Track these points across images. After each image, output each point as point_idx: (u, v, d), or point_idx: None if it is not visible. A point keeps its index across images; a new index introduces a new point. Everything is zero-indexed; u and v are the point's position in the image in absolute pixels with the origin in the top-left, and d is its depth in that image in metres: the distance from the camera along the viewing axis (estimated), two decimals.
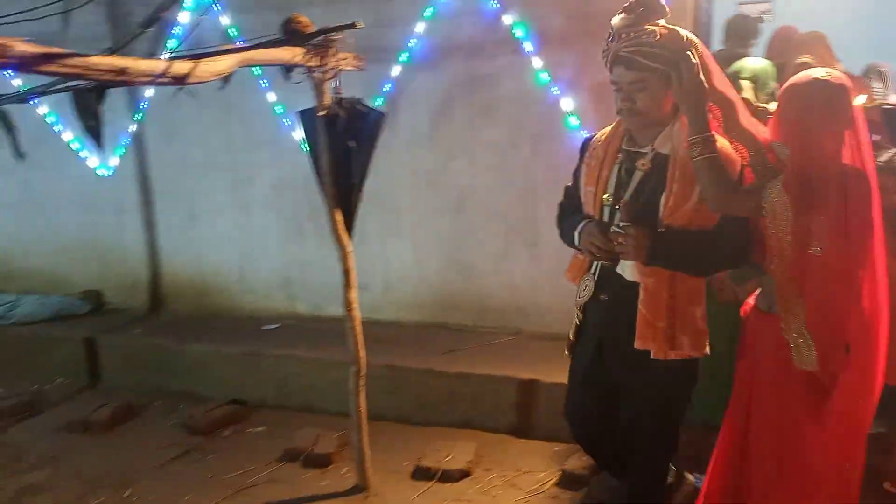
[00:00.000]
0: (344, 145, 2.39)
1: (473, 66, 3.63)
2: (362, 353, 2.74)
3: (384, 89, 3.71)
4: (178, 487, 2.91)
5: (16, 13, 2.19)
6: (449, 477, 2.87)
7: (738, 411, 1.98)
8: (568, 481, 2.77)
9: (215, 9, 3.70)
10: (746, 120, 1.85)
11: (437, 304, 3.97)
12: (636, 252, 1.84)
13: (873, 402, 1.78)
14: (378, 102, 3.68)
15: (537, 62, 3.41)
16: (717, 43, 4.32)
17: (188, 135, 4.28)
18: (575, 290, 2.12)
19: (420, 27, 3.58)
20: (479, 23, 3.50)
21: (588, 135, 2.16)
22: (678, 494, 2.39)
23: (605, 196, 1.96)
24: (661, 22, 1.82)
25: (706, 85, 1.78)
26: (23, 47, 1.22)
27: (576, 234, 2.00)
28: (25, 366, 4.16)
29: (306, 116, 2.49)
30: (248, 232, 4.31)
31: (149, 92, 4.13)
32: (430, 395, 3.39)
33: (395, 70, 3.67)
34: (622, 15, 1.82)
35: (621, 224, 1.89)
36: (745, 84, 2.91)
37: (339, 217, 2.55)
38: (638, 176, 1.92)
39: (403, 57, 3.64)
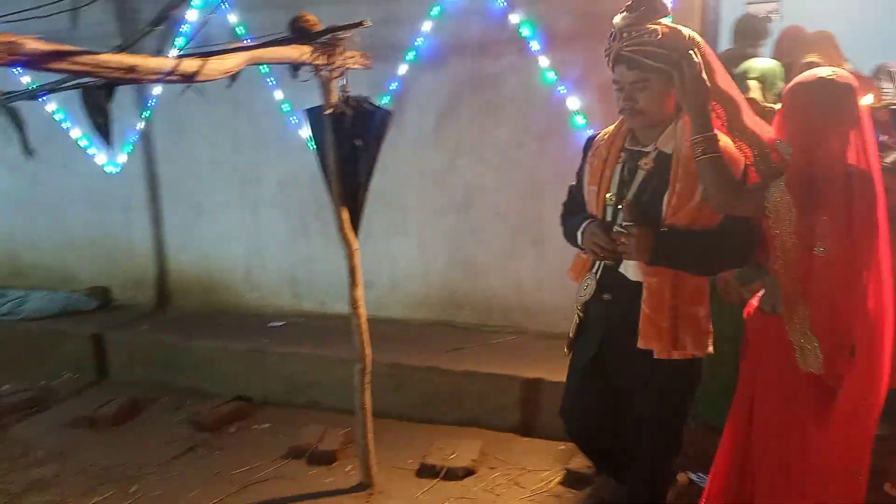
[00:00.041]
0: (351, 144, 2.40)
1: (480, 65, 3.63)
2: (368, 350, 2.74)
3: (391, 88, 3.72)
4: (183, 483, 2.93)
5: (24, 10, 2.21)
6: (453, 475, 2.87)
7: (741, 412, 1.97)
8: (572, 480, 2.77)
9: (223, 7, 3.71)
10: (750, 119, 1.84)
11: (443, 303, 3.98)
12: (639, 252, 1.84)
13: (879, 404, 1.77)
14: (385, 101, 3.69)
15: (544, 61, 3.41)
16: (726, 43, 4.31)
17: (196, 132, 4.29)
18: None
19: (427, 26, 3.58)
20: (485, 22, 3.51)
21: (591, 134, 2.15)
22: (670, 492, 2.38)
23: (608, 195, 1.95)
24: (664, 20, 1.80)
25: (708, 84, 1.77)
26: (33, 45, 1.22)
27: (579, 233, 2.00)
28: (33, 361, 4.19)
29: (313, 115, 2.50)
30: (254, 229, 4.33)
31: (157, 90, 4.15)
32: (435, 392, 3.40)
33: (402, 69, 3.68)
34: (624, 14, 1.81)
35: (624, 224, 1.88)
36: (753, 84, 2.90)
37: (345, 215, 2.56)
38: (641, 175, 1.91)
39: (410, 56, 3.65)
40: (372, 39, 2.52)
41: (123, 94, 2.61)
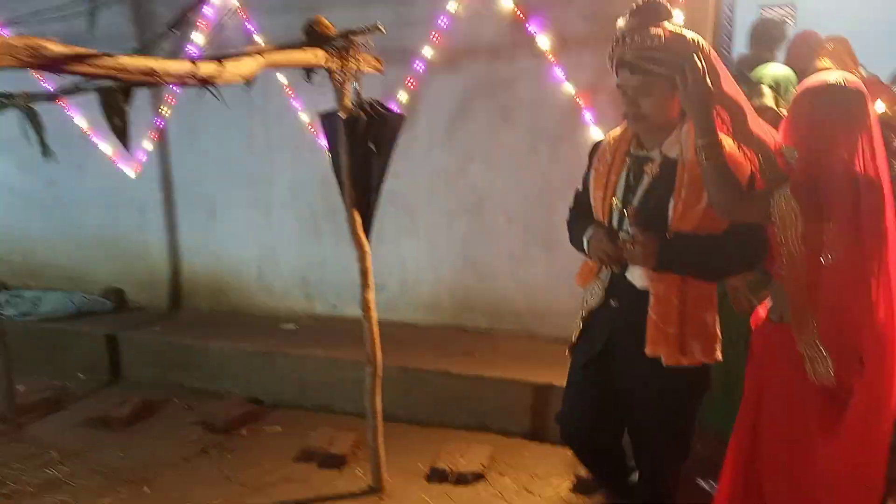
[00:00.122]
0: (364, 147, 2.41)
1: (492, 69, 3.64)
2: (379, 353, 2.75)
3: (403, 91, 3.73)
4: (195, 485, 2.94)
5: (41, 9, 2.25)
6: (463, 480, 2.87)
7: (747, 421, 1.94)
8: (582, 487, 2.76)
9: (238, 11, 3.75)
10: (756, 124, 1.81)
11: (454, 306, 3.98)
12: (645, 258, 1.83)
13: (892, 416, 1.73)
14: (397, 105, 3.70)
15: (556, 65, 3.41)
16: (740, 47, 4.29)
17: (210, 135, 4.33)
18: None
19: (439, 30, 3.59)
20: (498, 25, 3.52)
21: (597, 139, 2.14)
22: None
23: (613, 201, 1.94)
24: (667, 25, 1.79)
25: (712, 89, 1.75)
26: (55, 48, 1.24)
27: (584, 239, 1.99)
28: (48, 361, 4.23)
29: (327, 118, 2.51)
30: (266, 232, 4.35)
31: (173, 93, 4.18)
32: (445, 397, 3.40)
33: (415, 73, 3.69)
34: (627, 18, 1.80)
35: (630, 230, 1.87)
36: (767, 91, 2.88)
37: (357, 218, 2.57)
38: (646, 181, 1.90)
39: (423, 59, 3.66)
40: (385, 43, 2.54)
41: (139, 97, 2.64)
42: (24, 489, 2.93)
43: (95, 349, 4.15)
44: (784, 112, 2.42)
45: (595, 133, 3.31)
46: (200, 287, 4.59)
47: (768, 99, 2.92)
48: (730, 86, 1.80)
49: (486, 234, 3.84)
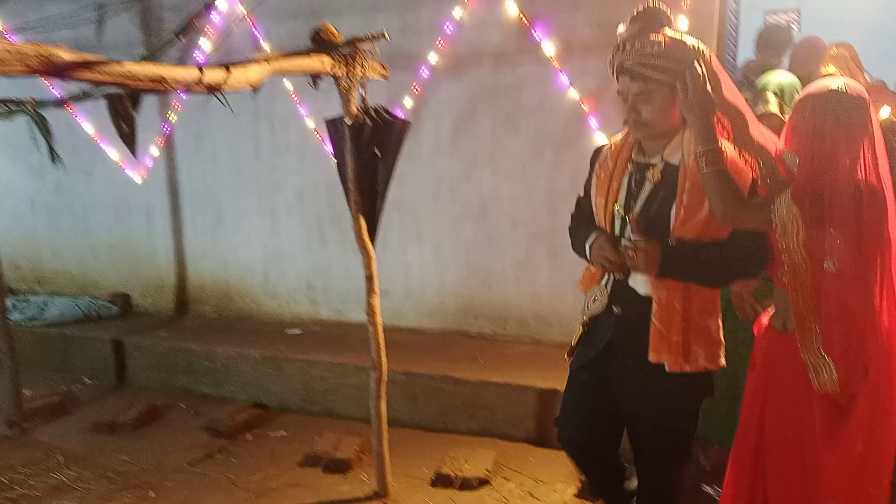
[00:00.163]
0: (369, 153, 2.42)
1: (497, 75, 3.65)
2: (384, 359, 2.75)
3: (409, 97, 3.75)
4: (201, 490, 2.95)
5: (50, 16, 2.27)
6: (468, 485, 2.86)
7: (751, 431, 1.91)
8: (586, 492, 2.75)
9: (246, 18, 3.77)
10: (756, 131, 1.81)
11: (458, 312, 3.99)
12: (648, 266, 1.82)
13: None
14: (402, 111, 3.72)
15: (561, 71, 3.42)
16: (745, 52, 4.29)
17: (216, 141, 4.36)
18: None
19: (445, 36, 3.61)
20: (503, 32, 3.53)
21: (598, 145, 2.13)
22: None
23: (615, 208, 1.94)
24: (667, 31, 1.79)
25: (713, 95, 1.74)
26: (66, 55, 1.26)
27: (587, 246, 1.98)
28: (54, 366, 4.26)
29: (333, 125, 2.53)
30: (272, 237, 4.37)
31: (180, 99, 4.21)
32: (450, 402, 3.40)
33: (420, 79, 3.71)
34: (627, 25, 1.80)
35: (632, 237, 1.86)
36: (772, 98, 2.88)
37: (363, 224, 2.57)
38: (648, 187, 1.89)
39: (428, 66, 3.68)
40: (390, 49, 2.55)
41: (146, 103, 2.67)
42: (31, 493, 2.94)
43: (102, 354, 4.18)
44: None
45: (600, 139, 3.32)
46: (206, 292, 4.61)
47: (773, 106, 2.92)
48: (731, 92, 1.80)
49: (491, 240, 3.85)
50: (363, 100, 2.36)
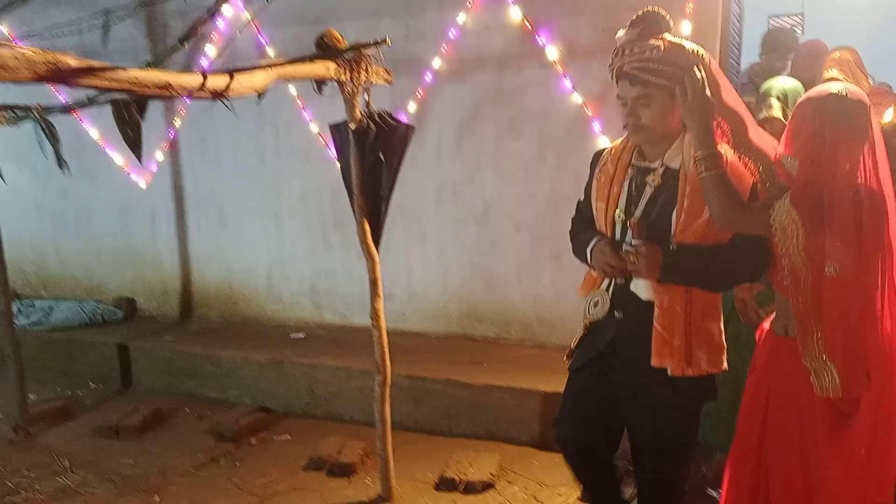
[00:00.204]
0: (373, 158, 2.43)
1: (501, 80, 3.66)
2: (388, 362, 2.76)
3: (412, 102, 3.76)
4: (205, 494, 2.95)
5: (57, 24, 2.30)
6: (472, 489, 2.86)
7: (751, 437, 1.90)
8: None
9: (251, 24, 3.79)
10: (756, 135, 1.81)
11: (462, 315, 3.99)
12: (649, 270, 1.82)
13: None
14: (406, 115, 3.73)
15: (564, 75, 3.43)
16: (748, 56, 4.30)
17: (221, 145, 4.38)
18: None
19: (449, 41, 3.63)
20: (506, 37, 3.54)
21: (598, 149, 2.13)
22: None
23: (616, 213, 1.94)
24: (667, 36, 1.79)
25: (712, 99, 1.74)
26: (73, 62, 1.27)
27: (588, 251, 1.98)
28: (60, 370, 4.27)
29: (337, 129, 2.54)
30: (276, 241, 4.39)
31: (185, 104, 4.23)
32: (454, 406, 3.40)
33: (424, 83, 3.72)
34: (626, 29, 1.80)
35: (633, 242, 1.86)
36: (775, 103, 2.88)
37: (367, 228, 2.58)
38: (649, 192, 1.89)
39: (432, 70, 3.70)
40: (394, 54, 2.56)
41: (152, 108, 2.69)
42: (36, 497, 2.95)
43: (106, 358, 4.19)
44: None
45: (603, 143, 3.32)
46: (211, 296, 4.63)
47: (776, 111, 2.92)
48: (730, 96, 1.80)
49: (494, 244, 3.85)
50: (367, 105, 2.37)
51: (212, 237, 4.54)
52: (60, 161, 2.43)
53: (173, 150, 4.48)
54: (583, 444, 2.09)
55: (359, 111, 2.34)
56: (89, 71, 1.31)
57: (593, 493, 2.23)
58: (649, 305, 1.88)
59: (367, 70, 2.21)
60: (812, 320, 1.68)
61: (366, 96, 2.37)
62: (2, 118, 2.03)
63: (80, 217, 4.85)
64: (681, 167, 1.84)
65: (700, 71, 1.74)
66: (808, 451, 1.77)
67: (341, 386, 3.63)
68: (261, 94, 1.90)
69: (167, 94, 1.50)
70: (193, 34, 2.22)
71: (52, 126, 2.17)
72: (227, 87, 1.65)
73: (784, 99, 2.90)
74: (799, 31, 5.53)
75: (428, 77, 3.71)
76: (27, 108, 2.30)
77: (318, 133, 4.01)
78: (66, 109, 2.33)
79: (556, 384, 3.18)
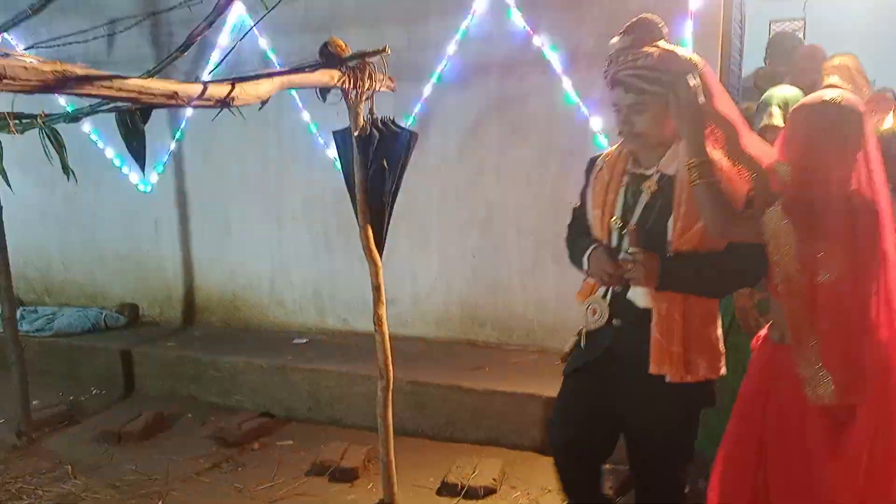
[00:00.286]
0: (377, 164, 2.44)
1: (504, 86, 3.68)
2: (391, 367, 2.76)
3: (416, 108, 3.78)
4: (208, 499, 2.96)
5: (63, 35, 2.32)
6: (474, 494, 2.87)
7: (748, 446, 1.88)
8: None
9: (254, 32, 3.81)
10: (749, 143, 1.81)
11: (464, 320, 4.00)
12: (647, 278, 1.81)
13: None
14: (410, 121, 3.75)
15: (567, 82, 3.45)
16: (750, 62, 4.31)
17: (224, 151, 4.39)
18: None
19: (452, 48, 3.65)
20: (509, 44, 3.56)
21: (593, 155, 2.12)
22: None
23: (612, 220, 1.93)
24: (661, 43, 1.79)
25: (705, 107, 1.74)
26: (81, 72, 1.29)
27: (584, 259, 1.97)
28: (63, 376, 4.28)
29: (340, 136, 2.55)
30: (279, 247, 4.40)
31: (189, 112, 4.26)
32: (456, 411, 3.40)
33: (428, 89, 3.74)
34: (620, 37, 1.81)
35: (630, 250, 1.86)
36: (776, 111, 2.90)
37: (370, 233, 2.59)
38: (644, 199, 1.88)
39: (436, 76, 3.72)
40: (398, 61, 2.58)
41: (156, 115, 2.71)
42: (39, 503, 2.95)
43: (110, 364, 4.20)
44: None
45: (605, 148, 3.34)
46: (214, 302, 4.64)
47: (777, 119, 2.93)
48: (724, 104, 1.80)
49: (497, 249, 3.86)
50: (371, 112, 2.38)
51: (215, 243, 4.55)
52: (66, 169, 2.45)
53: (177, 155, 4.50)
54: (573, 445, 2.06)
55: (362, 118, 2.36)
56: (97, 80, 1.33)
57: (577, 498, 2.15)
58: (647, 313, 1.87)
59: (370, 78, 2.22)
60: (806, 328, 1.68)
61: (369, 104, 2.38)
62: (12, 127, 2.05)
63: (85, 223, 4.87)
64: (676, 174, 1.84)
65: (694, 78, 1.74)
66: (809, 457, 1.76)
67: (344, 391, 3.64)
68: (263, 101, 1.92)
69: (174, 102, 1.51)
70: (192, 43, 2.24)
71: (58, 134, 2.19)
72: (233, 95, 1.67)
73: (785, 107, 2.92)
74: (800, 35, 5.54)
75: (431, 83, 3.73)
76: (34, 117, 2.32)
77: (320, 138, 4.02)
78: (72, 119, 2.34)
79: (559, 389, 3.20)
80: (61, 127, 2.65)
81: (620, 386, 1.95)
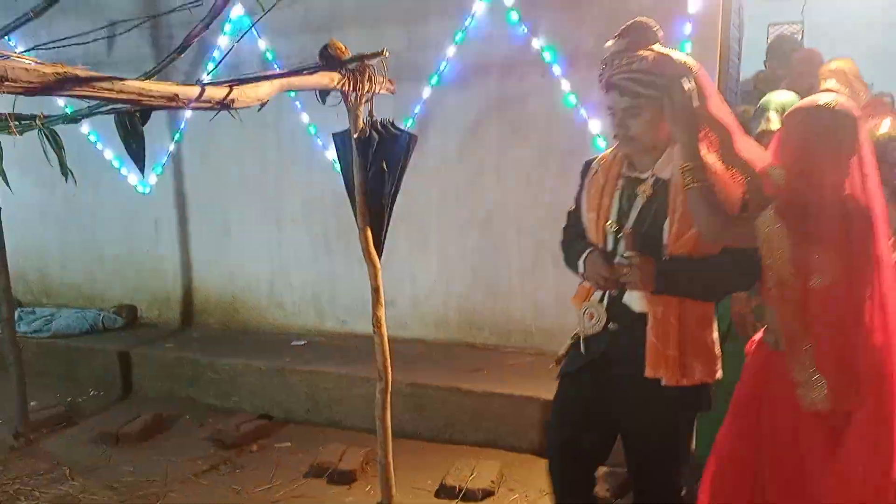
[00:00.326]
0: (376, 167, 2.44)
1: (503, 87, 3.69)
2: (389, 369, 2.76)
3: (415, 110, 3.78)
4: (206, 501, 2.96)
5: (64, 36, 2.32)
6: (472, 496, 2.87)
7: (744, 452, 1.88)
8: None
9: (253, 33, 3.82)
10: (743, 147, 1.81)
11: (463, 323, 4.00)
12: (643, 282, 1.81)
13: None
14: (409, 123, 3.75)
15: (566, 84, 3.46)
16: (748, 66, 4.32)
17: (223, 153, 4.39)
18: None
19: (452, 49, 3.66)
20: (509, 45, 3.57)
21: (588, 159, 2.11)
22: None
23: (608, 224, 1.93)
24: (655, 47, 1.79)
25: (699, 110, 1.74)
26: (82, 74, 1.29)
27: (580, 262, 1.97)
28: (61, 378, 4.27)
29: (340, 138, 2.55)
30: (278, 249, 4.40)
31: (188, 113, 4.26)
32: (454, 413, 3.40)
33: (427, 91, 3.75)
34: (615, 40, 1.81)
35: (626, 254, 1.86)
36: (773, 116, 2.91)
37: (369, 235, 2.59)
38: (640, 203, 1.88)
39: (435, 78, 3.72)
40: (398, 63, 2.59)
41: (155, 117, 2.71)
42: None
43: (108, 365, 4.19)
44: None
45: (604, 151, 3.34)
46: (212, 304, 4.63)
47: (774, 124, 2.94)
48: (718, 108, 1.80)
49: (496, 251, 3.87)
50: (370, 114, 2.38)
51: (214, 244, 4.55)
52: (65, 170, 2.45)
53: (176, 157, 4.50)
54: (570, 446, 2.06)
55: (362, 121, 2.36)
56: (98, 82, 1.33)
57: (570, 500, 2.12)
58: (643, 317, 1.87)
59: (370, 80, 2.23)
60: (800, 332, 1.68)
61: (369, 106, 2.38)
62: (13, 128, 2.05)
63: (84, 225, 4.86)
64: (671, 178, 1.84)
65: (688, 82, 1.74)
66: (805, 463, 1.76)
67: (342, 393, 3.64)
68: (262, 103, 1.92)
69: (174, 105, 1.52)
70: (188, 45, 2.24)
71: (57, 135, 2.19)
72: (233, 98, 1.67)
73: (782, 112, 2.92)
74: (798, 38, 5.56)
75: (432, 84, 3.73)
76: (33, 118, 2.32)
77: (319, 140, 4.03)
78: (72, 120, 2.35)
79: None
80: (59, 128, 2.65)
81: (616, 389, 1.95)
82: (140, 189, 4.59)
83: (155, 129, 3.82)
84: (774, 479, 1.84)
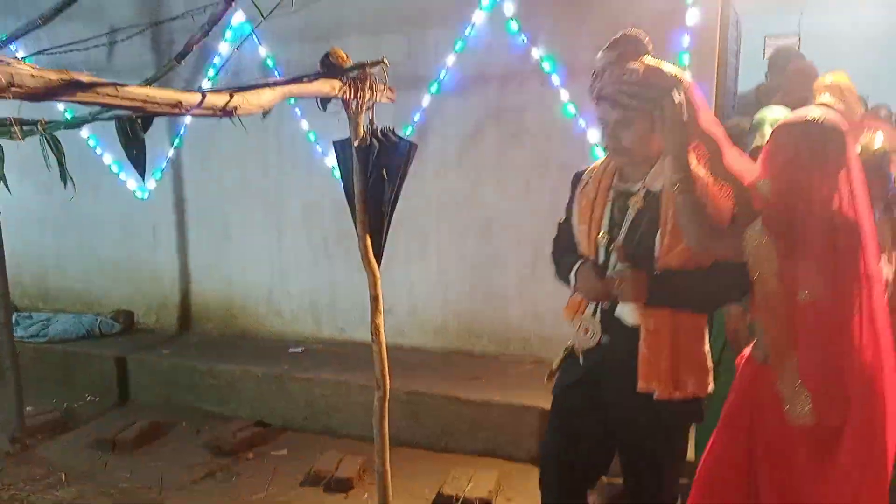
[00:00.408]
0: (376, 174, 2.45)
1: (502, 97, 3.71)
2: (387, 377, 2.76)
3: (415, 118, 3.80)
4: None
5: (66, 43, 2.33)
6: None
7: (734, 464, 1.88)
8: None
9: (254, 39, 3.84)
10: (732, 160, 1.81)
11: (461, 331, 4.00)
12: (636, 295, 1.81)
13: (889, 460, 1.66)
14: (408, 131, 3.77)
15: (564, 93, 3.48)
16: (746, 78, 4.35)
17: (223, 159, 4.40)
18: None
19: (451, 58, 3.68)
20: (508, 55, 3.59)
21: (578, 170, 2.12)
22: None
23: (599, 236, 1.93)
24: (646, 59, 1.80)
25: (689, 123, 1.75)
26: (87, 80, 1.30)
27: (571, 275, 1.97)
28: (57, 383, 4.26)
29: (340, 146, 2.56)
30: (277, 255, 4.40)
31: (188, 119, 4.27)
32: (452, 422, 3.40)
33: (427, 99, 3.77)
34: (605, 52, 1.82)
35: (618, 266, 1.85)
36: (768, 131, 2.92)
37: (368, 243, 2.60)
38: (631, 215, 1.88)
39: (435, 86, 3.74)
40: (398, 71, 2.60)
41: (155, 123, 2.72)
42: None
43: (104, 371, 4.18)
44: None
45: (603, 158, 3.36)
46: (210, 310, 4.63)
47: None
48: (708, 121, 1.81)
49: (494, 258, 3.87)
50: (371, 122, 2.39)
51: (213, 250, 4.55)
52: (64, 175, 2.45)
53: (175, 162, 4.51)
54: (565, 458, 2.04)
55: (363, 129, 2.37)
56: (103, 88, 1.34)
57: None
58: (635, 330, 1.87)
59: (371, 88, 2.23)
60: (786, 346, 1.68)
61: (369, 114, 2.39)
62: (18, 133, 2.05)
63: (82, 229, 4.86)
64: (662, 190, 1.84)
65: (678, 94, 1.74)
66: (792, 479, 1.75)
67: (340, 401, 3.63)
68: (266, 111, 1.93)
69: (177, 111, 1.52)
70: (188, 52, 2.25)
71: (58, 140, 2.19)
72: (236, 105, 1.68)
73: None
74: (798, 50, 5.61)
75: (430, 93, 3.75)
76: (35, 123, 2.33)
77: (319, 147, 4.04)
78: (72, 125, 2.35)
79: None
80: (60, 132, 2.66)
81: (610, 402, 1.95)
82: (139, 194, 4.59)
83: (154, 135, 3.81)
84: (767, 489, 1.83)
